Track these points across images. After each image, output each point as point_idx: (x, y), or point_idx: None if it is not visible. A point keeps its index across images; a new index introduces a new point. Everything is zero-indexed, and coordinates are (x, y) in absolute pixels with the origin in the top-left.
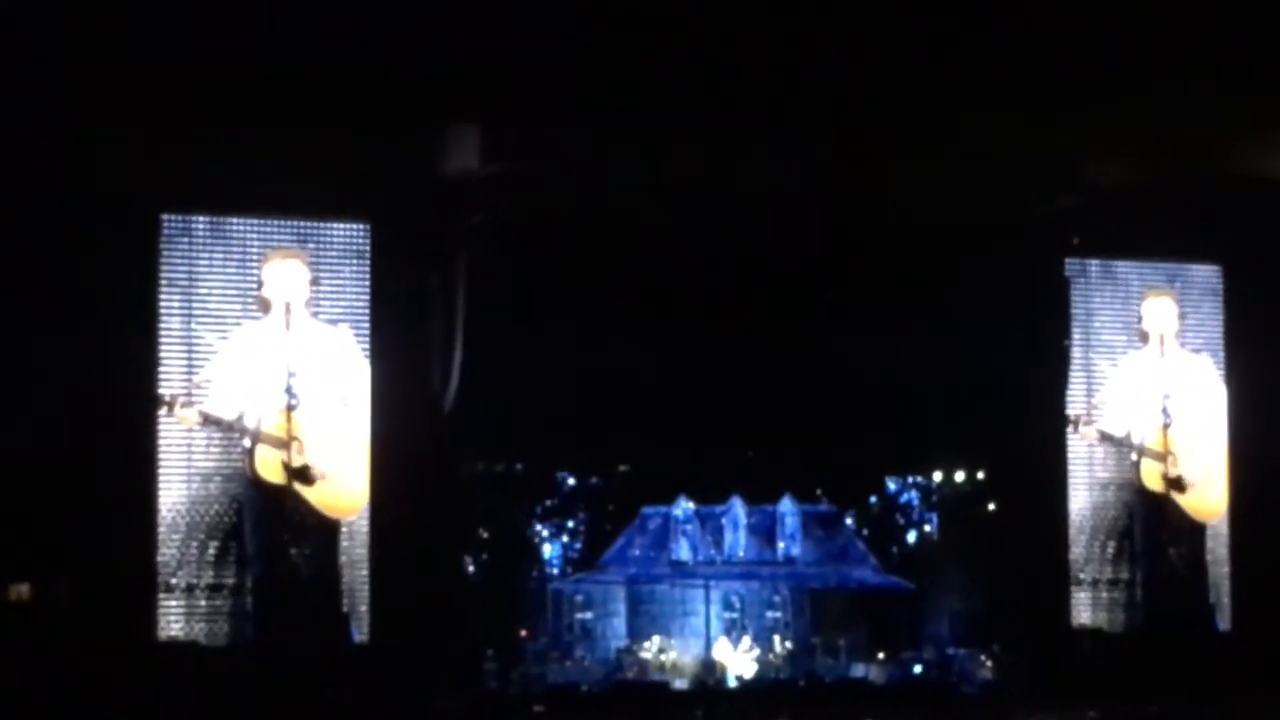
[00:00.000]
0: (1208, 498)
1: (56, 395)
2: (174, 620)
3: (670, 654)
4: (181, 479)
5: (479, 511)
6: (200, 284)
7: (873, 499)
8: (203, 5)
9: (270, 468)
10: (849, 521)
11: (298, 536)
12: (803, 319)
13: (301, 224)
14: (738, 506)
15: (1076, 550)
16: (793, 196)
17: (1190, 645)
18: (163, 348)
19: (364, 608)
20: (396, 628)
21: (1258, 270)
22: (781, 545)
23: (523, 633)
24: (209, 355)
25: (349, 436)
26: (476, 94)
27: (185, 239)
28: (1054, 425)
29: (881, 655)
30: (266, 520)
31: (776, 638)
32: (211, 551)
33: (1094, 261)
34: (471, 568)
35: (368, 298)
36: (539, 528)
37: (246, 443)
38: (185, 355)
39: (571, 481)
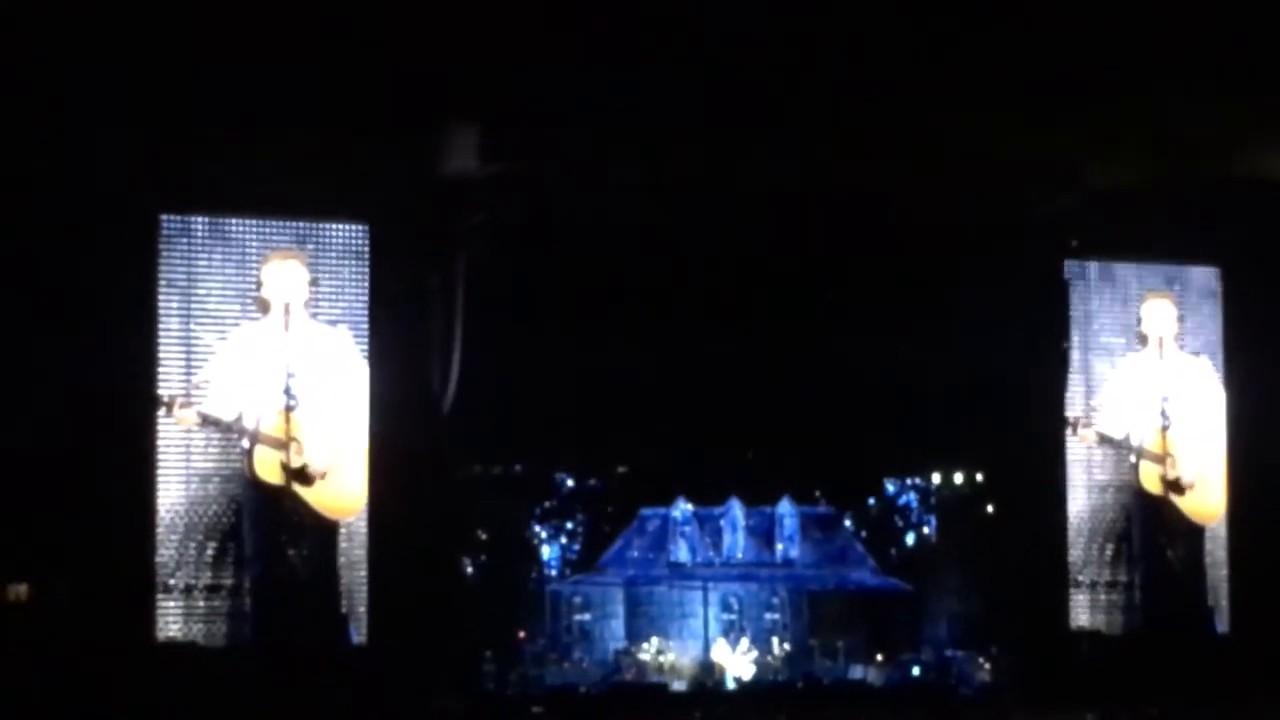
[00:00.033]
0: (1206, 500)
1: (55, 395)
2: (172, 621)
3: (668, 655)
4: (180, 479)
5: (477, 513)
6: (199, 284)
7: (871, 501)
8: (203, 6)
9: (269, 468)
10: (847, 523)
11: (296, 537)
12: (802, 320)
13: (301, 225)
14: (736, 508)
15: (1075, 552)
16: (793, 196)
17: (1189, 647)
18: (161, 348)
19: (362, 609)
20: (395, 629)
21: (1257, 272)
22: (780, 547)
23: (521, 634)
24: (208, 356)
25: (347, 437)
26: (476, 94)
27: (184, 239)
28: (1053, 427)
29: (880, 657)
30: (265, 521)
31: (775, 639)
32: (210, 552)
33: (1093, 263)
34: (470, 569)
35: (367, 299)
36: (537, 529)
37: (245, 443)
38: (184, 356)
39: (570, 483)
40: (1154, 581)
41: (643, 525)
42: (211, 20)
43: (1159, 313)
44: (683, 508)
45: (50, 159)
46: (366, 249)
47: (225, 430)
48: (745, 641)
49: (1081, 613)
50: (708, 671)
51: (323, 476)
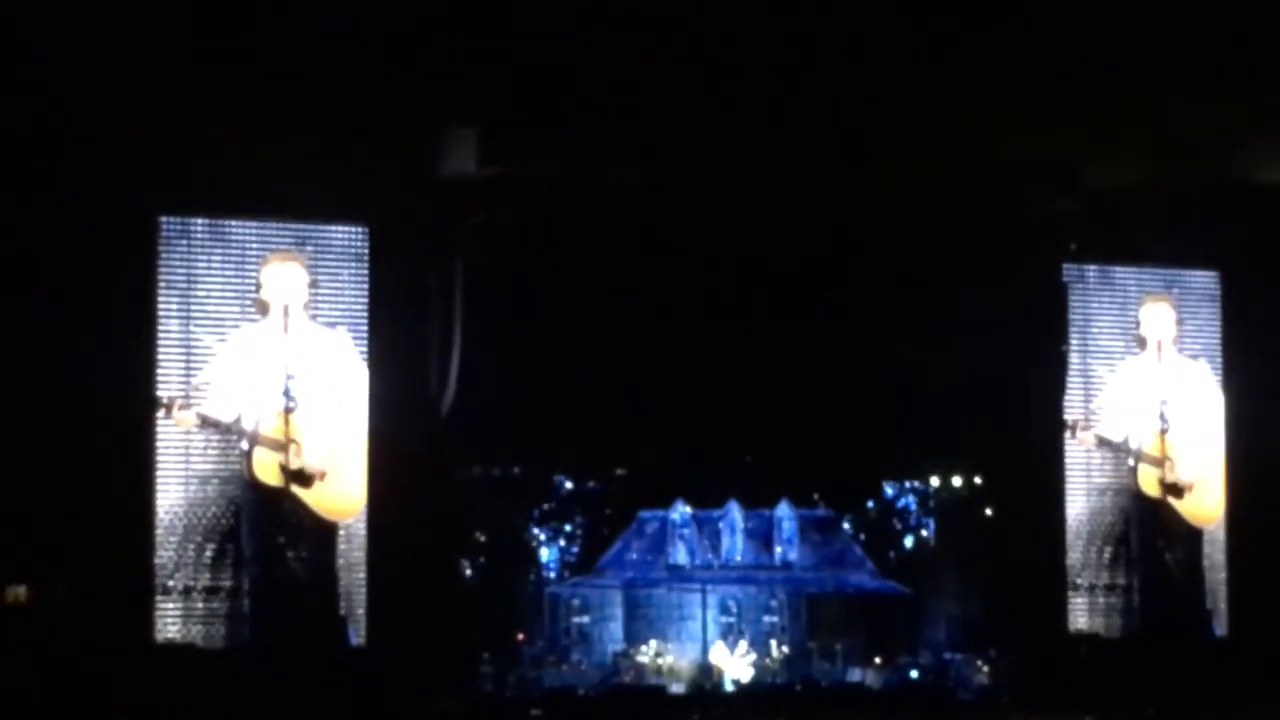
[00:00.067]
0: (1205, 503)
1: (55, 397)
2: (171, 622)
3: (667, 658)
4: (179, 481)
5: (476, 515)
6: (199, 286)
7: (870, 504)
8: (203, 6)
9: (268, 470)
10: (846, 526)
11: (295, 539)
12: (801, 324)
13: (300, 227)
14: (735, 511)
15: (1073, 555)
16: (792, 197)
17: (1187, 650)
18: (161, 350)
19: (361, 610)
20: (393, 630)
21: (1255, 276)
22: (779, 550)
23: (519, 636)
24: (207, 357)
25: (346, 439)
26: (475, 95)
27: (184, 241)
28: (1051, 430)
29: (878, 660)
30: (264, 523)
31: (773, 642)
32: (209, 554)
33: (1092, 267)
34: (468, 571)
35: (366, 301)
36: (536, 531)
37: (244, 445)
38: (183, 357)
39: (569, 485)
40: (1152, 584)
41: (641, 528)
42: (211, 22)
43: (1158, 316)
44: (681, 510)
45: (50, 161)
46: (366, 251)
47: (224, 432)
48: (744, 644)
49: (1080, 615)
50: (706, 674)
51: (322, 478)
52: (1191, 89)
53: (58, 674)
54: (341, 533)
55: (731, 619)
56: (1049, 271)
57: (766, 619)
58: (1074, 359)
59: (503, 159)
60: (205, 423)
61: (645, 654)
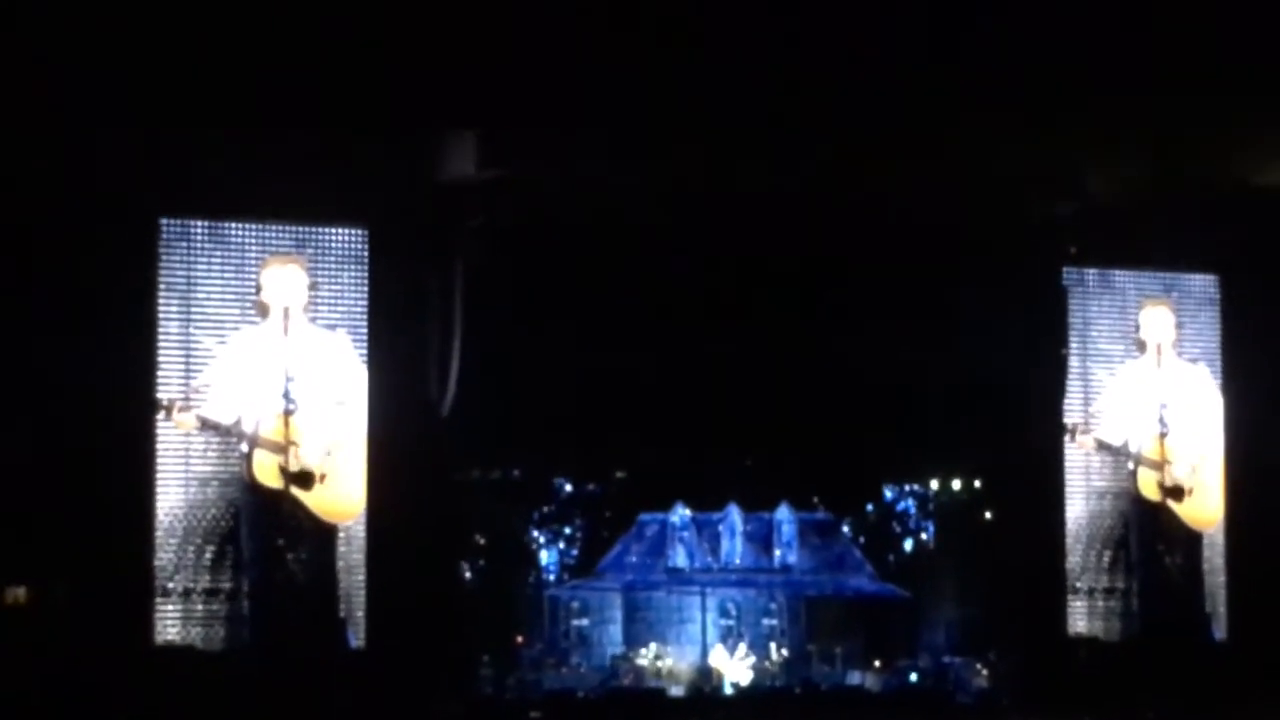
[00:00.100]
0: (1204, 506)
1: (55, 399)
2: (171, 624)
3: (666, 661)
4: (179, 483)
5: (476, 517)
6: (198, 288)
7: (870, 507)
8: (204, 7)
9: (267, 472)
10: (846, 529)
11: (295, 541)
12: (801, 326)
13: (300, 229)
14: (735, 513)
15: (1073, 559)
16: (793, 197)
17: (1186, 654)
18: (161, 352)
19: (360, 613)
20: (393, 633)
21: (1255, 280)
22: (778, 552)
23: (519, 639)
24: (207, 360)
25: (346, 441)
26: (475, 97)
27: (184, 243)
28: (1051, 434)
29: (877, 663)
30: (263, 525)
31: (773, 645)
32: (208, 556)
33: (1091, 270)
34: (468, 574)
35: (365, 303)
36: (536, 534)
37: (244, 447)
38: (183, 360)
39: (569, 488)
40: (1152, 588)
41: (641, 530)
42: (211, 24)
43: (1157, 320)
44: (681, 513)
45: (50, 163)
46: (366, 253)
47: (224, 434)
48: (743, 647)
49: (1079, 619)
50: (705, 677)
51: (321, 480)
52: (1191, 89)
53: (57, 676)
54: (341, 535)
55: (731, 622)
56: (1048, 275)
57: (766, 622)
58: (1073, 362)
59: (502, 161)
60: (205, 425)
61: (645, 657)
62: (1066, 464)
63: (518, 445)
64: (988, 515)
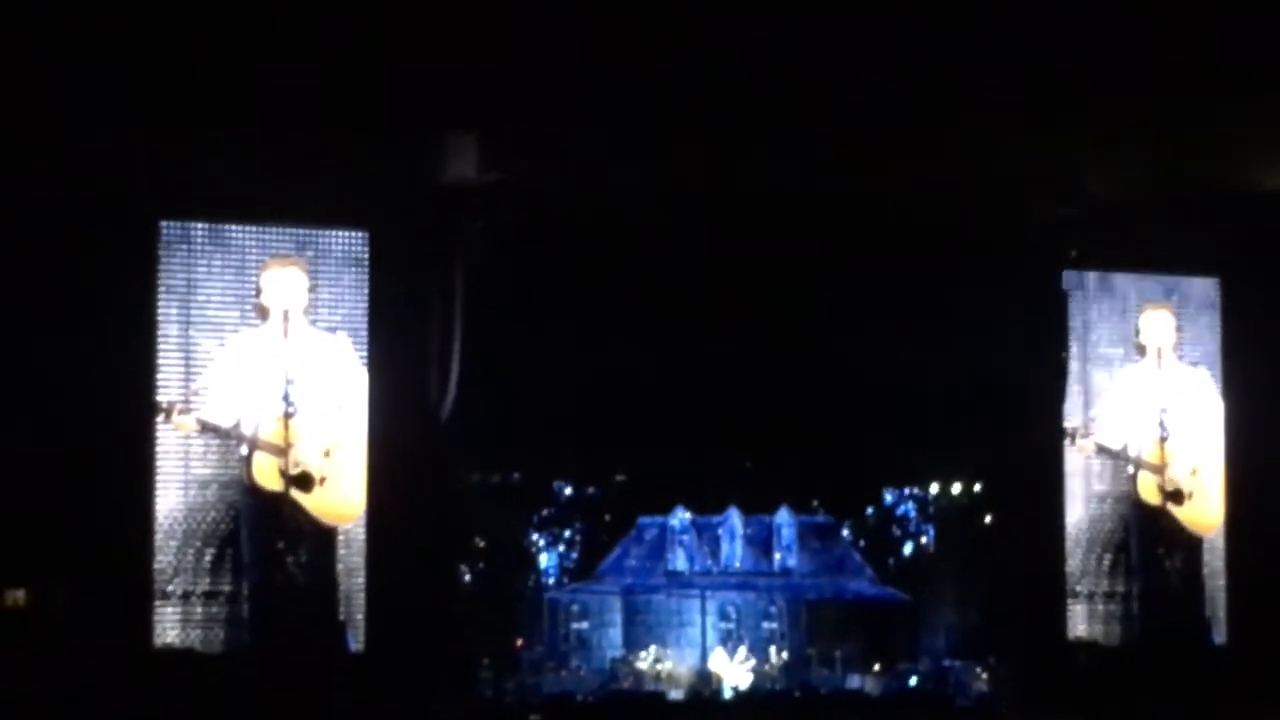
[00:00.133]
0: (1205, 511)
1: (54, 401)
2: (170, 627)
3: (666, 664)
4: (179, 486)
5: (476, 520)
6: (198, 291)
7: (869, 510)
8: (204, 8)
9: (267, 475)
10: (845, 533)
11: (294, 544)
12: (800, 327)
13: (300, 231)
14: (734, 517)
15: (1073, 563)
16: (793, 196)
17: (1186, 658)
18: (160, 354)
19: (360, 616)
20: (392, 636)
21: (1255, 283)
22: (778, 556)
23: (519, 642)
24: (207, 362)
25: (346, 444)
26: (475, 97)
27: (184, 245)
28: (1051, 438)
29: (877, 667)
30: (263, 527)
31: (772, 649)
32: (208, 558)
33: (1091, 274)
34: (468, 576)
35: (366, 306)
36: (535, 537)
37: (244, 450)
38: (183, 362)
39: (568, 491)
40: (1152, 592)
41: (641, 534)
42: (211, 24)
43: (1157, 323)
44: (681, 516)
45: (49, 165)
46: (366, 256)
47: (224, 436)
48: (743, 650)
49: (1079, 623)
50: (705, 680)
51: (321, 483)
52: (1191, 89)
53: (56, 679)
54: (341, 538)
55: (731, 625)
56: (1048, 277)
57: (766, 625)
58: (1073, 366)
59: (503, 162)
60: (205, 428)
61: (644, 660)
62: (1066, 468)
63: (518, 448)
64: (988, 519)
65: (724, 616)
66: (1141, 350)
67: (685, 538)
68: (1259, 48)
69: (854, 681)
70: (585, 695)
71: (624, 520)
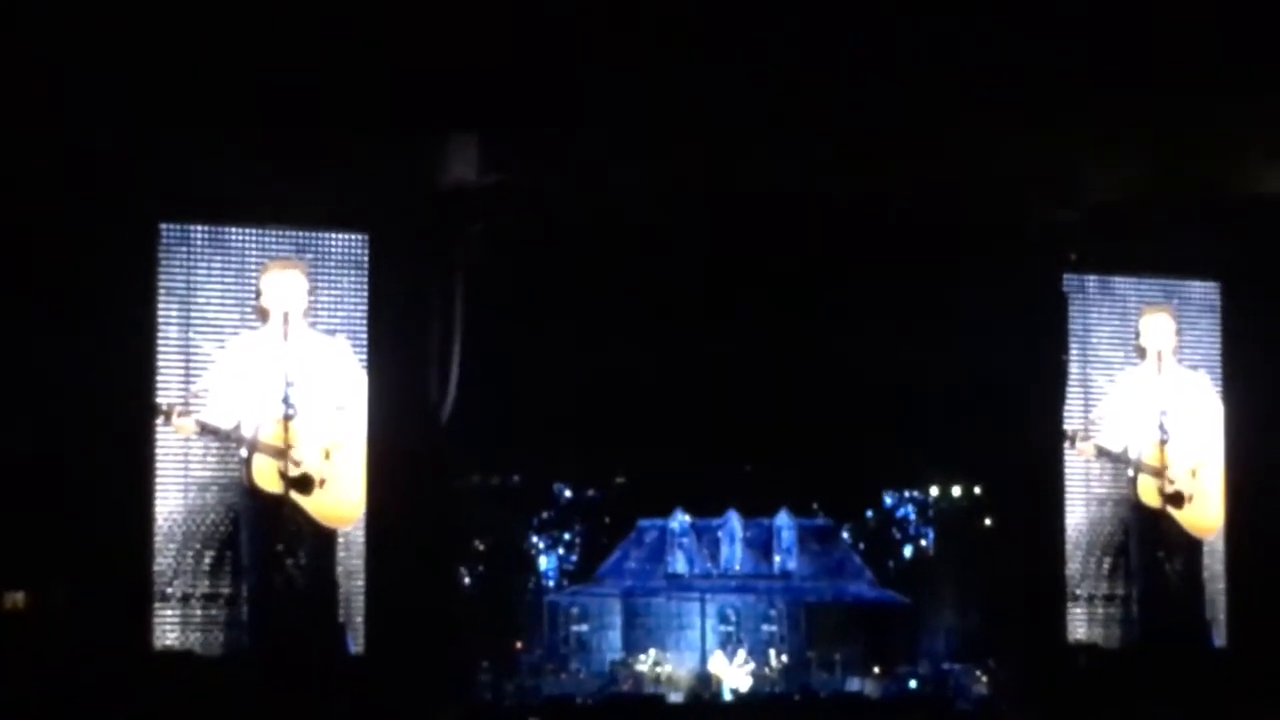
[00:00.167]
0: (1204, 513)
1: (54, 403)
2: (170, 629)
3: (665, 667)
4: (178, 488)
5: (475, 523)
6: (198, 293)
7: (869, 513)
8: (204, 8)
9: (267, 477)
10: (845, 535)
11: (294, 546)
12: (800, 328)
13: (300, 234)
14: (734, 520)
15: (1073, 566)
16: (793, 196)
17: (1186, 661)
18: (160, 357)
19: (360, 618)
20: (392, 638)
21: (1255, 287)
22: (778, 559)
23: (518, 644)
24: (207, 364)
25: (346, 446)
26: (475, 98)
27: (184, 248)
28: (1051, 440)
29: (877, 670)
30: (263, 530)
31: (772, 651)
32: (208, 561)
33: (1092, 277)
34: (467, 579)
35: (365, 308)
36: (535, 540)
37: (243, 452)
38: (183, 364)
39: (568, 494)
40: (1152, 595)
41: (640, 536)
42: (211, 26)
43: (1158, 327)
44: (681, 519)
45: (50, 168)
46: (366, 258)
47: (224, 439)
48: (742, 653)
49: (1079, 626)
50: (705, 683)
51: (321, 485)
52: (1191, 89)
53: (56, 681)
54: (340, 540)
55: (730, 628)
56: (1049, 281)
57: (765, 628)
58: (1074, 369)
59: (503, 163)
60: (205, 430)
61: (644, 663)
62: (1066, 471)
63: (517, 451)
64: (987, 522)
65: (724, 619)
66: (1141, 353)
67: (685, 540)
68: (1259, 48)
69: (854, 684)
70: (585, 698)
71: (624, 523)
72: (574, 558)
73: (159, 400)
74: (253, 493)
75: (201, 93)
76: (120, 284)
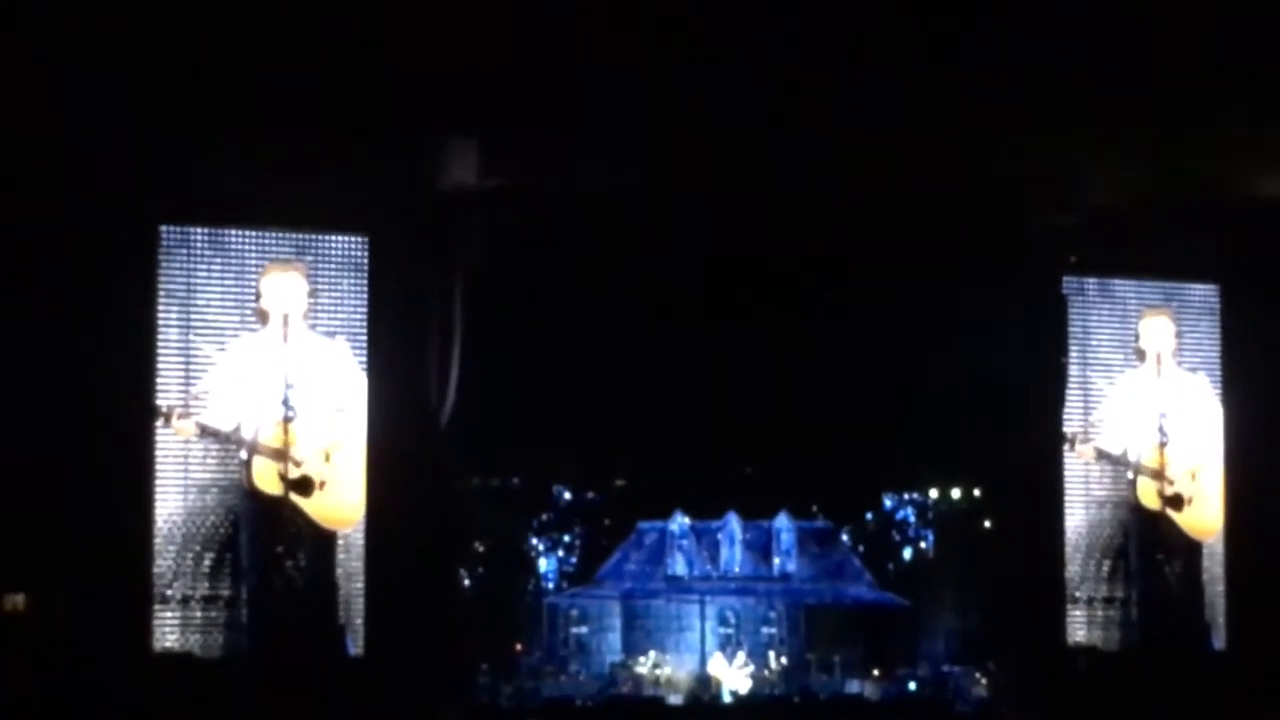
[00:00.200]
0: (1204, 516)
1: (54, 405)
2: (169, 631)
3: (665, 669)
4: (178, 490)
5: (475, 524)
6: (198, 295)
7: (869, 516)
8: (204, 9)
9: (267, 479)
10: (845, 538)
11: (294, 548)
12: (800, 328)
13: (300, 236)
14: (734, 522)
15: (1072, 568)
16: (793, 196)
17: (1185, 663)
18: (160, 359)
19: (359, 620)
20: (392, 640)
21: (1255, 290)
22: (777, 561)
23: (518, 646)
24: (206, 366)
25: (346, 448)
26: (474, 98)
27: (184, 250)
28: (1051, 443)
29: (876, 672)
30: (263, 532)
31: (771, 654)
32: (207, 563)
33: (1091, 280)
34: (467, 581)
35: (365, 310)
36: (535, 541)
37: (243, 454)
38: (183, 366)
39: (568, 496)
40: (1151, 597)
41: (640, 538)
42: (211, 26)
43: (1157, 329)
44: (680, 521)
45: (50, 168)
46: (365, 261)
47: (224, 441)
48: (742, 655)
49: (1079, 628)
50: (704, 685)
51: (321, 487)
52: (1191, 89)
53: (56, 683)
54: (340, 542)
55: (730, 630)
56: (1049, 283)
57: (765, 630)
58: (1073, 371)
59: (503, 164)
60: (204, 432)
61: (643, 665)
62: (1066, 473)
63: (517, 453)
64: (987, 524)
65: (723, 621)
66: (1141, 355)
67: (685, 543)
68: (1259, 48)
69: (853, 686)
70: (584, 700)
71: (623, 525)
72: (573, 560)
73: (159, 402)
74: (252, 495)
75: (201, 93)
76: (120, 286)
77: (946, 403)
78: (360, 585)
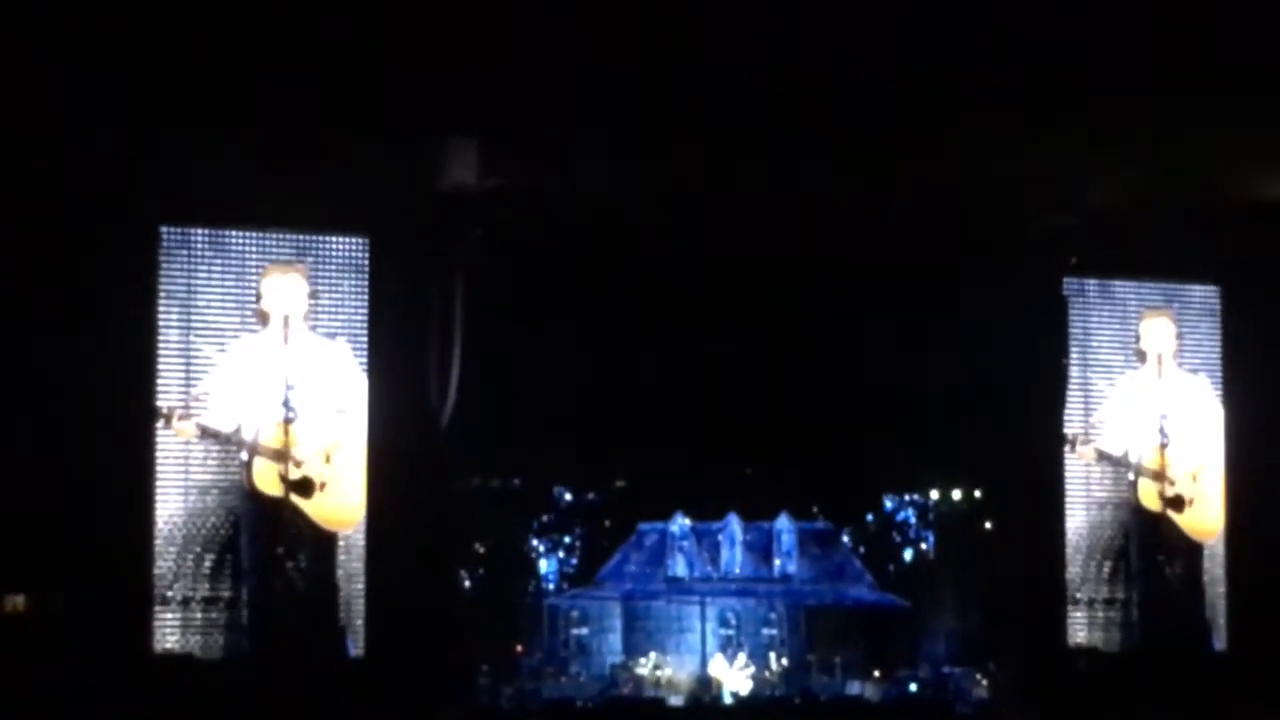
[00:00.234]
0: (1204, 517)
1: (54, 406)
2: (170, 633)
3: (666, 670)
4: (179, 491)
5: (476, 526)
6: (199, 296)
7: (870, 517)
8: (204, 9)
9: (267, 480)
10: (846, 539)
11: (294, 549)
12: (800, 329)
13: (300, 237)
14: (734, 523)
15: (1073, 569)
16: (793, 196)
17: (1186, 665)
18: (161, 360)
19: (360, 621)
20: (392, 642)
21: (1256, 291)
22: (778, 562)
23: (518, 648)
24: (207, 368)
25: (346, 449)
26: (474, 98)
27: (184, 251)
28: (1051, 444)
29: (877, 673)
30: (263, 533)
31: (772, 655)
32: (208, 564)
33: (1092, 281)
34: (468, 582)
35: (366, 311)
36: (535, 543)
37: (244, 455)
38: (183, 368)
39: (568, 497)
40: (1152, 599)
41: (641, 540)
42: (211, 26)
43: (1158, 330)
44: (681, 522)
45: (50, 168)
46: (366, 262)
47: (224, 442)
48: (742, 657)
49: (1079, 630)
50: (705, 687)
51: (321, 488)
52: (1191, 89)
53: (56, 684)
54: (341, 543)
55: (730, 631)
56: (1049, 284)
57: (765, 631)
58: (1074, 372)
59: (503, 164)
60: (205, 433)
61: (644, 666)
62: (1067, 474)
63: (518, 454)
64: (988, 525)
65: (724, 623)
66: (1142, 356)
67: (685, 544)
68: (1259, 48)
69: (854, 688)
70: (585, 701)
71: (624, 526)
72: (574, 561)
73: (159, 403)
74: (253, 496)
75: (201, 93)
76: (120, 286)
77: (947, 404)
78: (361, 586)
